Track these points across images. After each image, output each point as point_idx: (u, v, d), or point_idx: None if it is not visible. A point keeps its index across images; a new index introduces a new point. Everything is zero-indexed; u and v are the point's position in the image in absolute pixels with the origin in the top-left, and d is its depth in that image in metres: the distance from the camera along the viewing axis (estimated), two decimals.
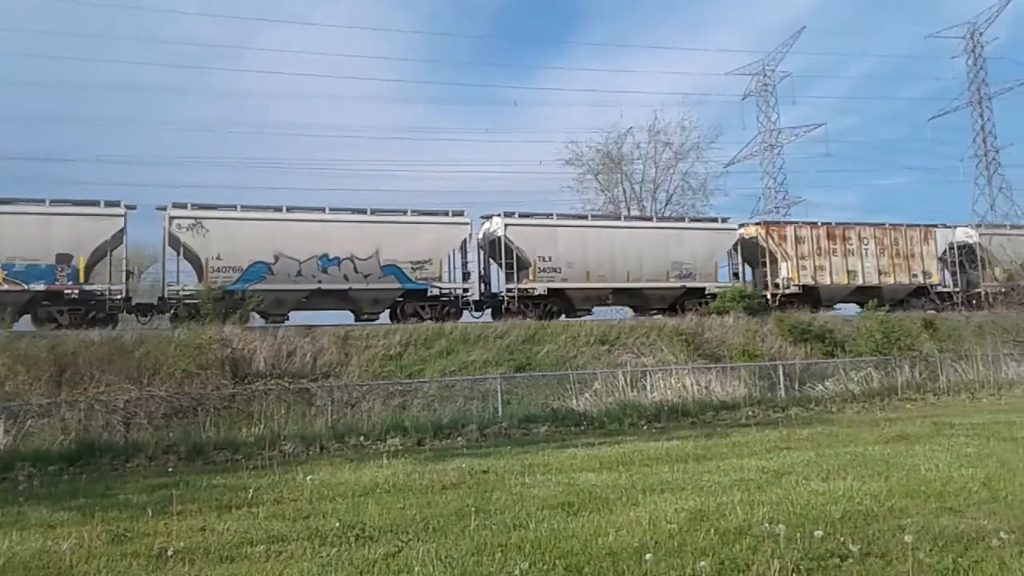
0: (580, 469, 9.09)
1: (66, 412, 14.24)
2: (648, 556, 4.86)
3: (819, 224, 32.63)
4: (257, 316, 23.72)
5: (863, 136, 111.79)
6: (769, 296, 30.79)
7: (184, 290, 23.55)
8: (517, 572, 4.80)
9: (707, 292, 29.44)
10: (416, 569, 5.05)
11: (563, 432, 14.46)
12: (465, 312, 27.18)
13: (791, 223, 32.96)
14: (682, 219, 31.61)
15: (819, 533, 5.12)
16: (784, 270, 31.00)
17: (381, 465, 10.07)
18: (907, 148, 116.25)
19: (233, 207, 24.62)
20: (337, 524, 6.40)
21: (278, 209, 25.15)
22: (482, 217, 28.30)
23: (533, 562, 5.04)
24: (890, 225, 33.43)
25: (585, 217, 29.13)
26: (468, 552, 5.36)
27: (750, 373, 19.94)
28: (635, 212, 43.00)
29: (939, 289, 33.50)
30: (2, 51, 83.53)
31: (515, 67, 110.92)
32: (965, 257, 34.45)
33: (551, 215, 28.79)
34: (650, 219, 30.80)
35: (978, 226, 34.97)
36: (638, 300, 29.68)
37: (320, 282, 24.67)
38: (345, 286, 24.97)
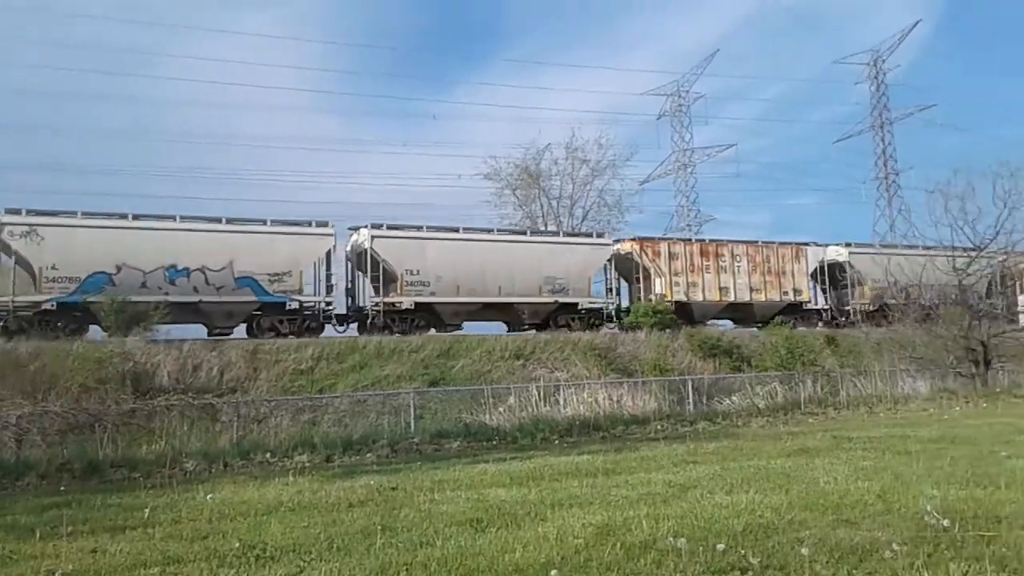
0: (490, 485, 9.04)
1: None
2: (554, 572, 4.85)
3: (692, 240, 33.35)
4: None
5: (773, 157, 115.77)
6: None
7: (16, 302, 22.18)
8: None
9: (580, 308, 29.50)
10: None
11: (475, 447, 14.38)
12: (328, 327, 26.57)
13: (665, 239, 33.28)
14: (556, 234, 31.81)
15: (721, 546, 5.19)
16: (658, 286, 31.17)
17: (287, 483, 9.82)
18: (815, 169, 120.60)
19: (73, 214, 23.50)
20: (237, 544, 6.19)
21: (123, 216, 24.02)
22: (349, 228, 27.74)
23: None
24: (762, 242, 34.03)
25: (456, 230, 28.84)
26: (372, 572, 5.25)
27: (661, 387, 20.28)
28: (552, 227, 43.43)
29: (809, 306, 34.21)
30: None
31: (435, 81, 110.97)
32: (836, 275, 35.35)
33: (421, 227, 28.28)
34: (523, 233, 30.91)
35: (847, 245, 35.89)
36: (510, 315, 29.43)
37: (167, 294, 23.49)
38: (195, 298, 23.97)
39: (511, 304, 28.62)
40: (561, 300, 29.12)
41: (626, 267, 32.02)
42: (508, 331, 29.39)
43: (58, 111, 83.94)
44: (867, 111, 68.58)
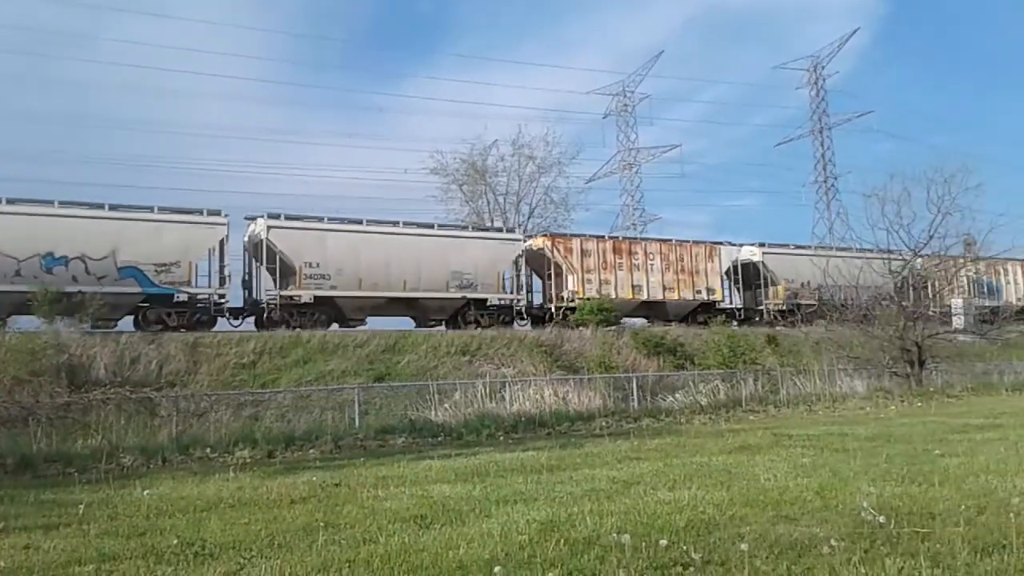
0: (435, 481, 9.00)
1: None
2: (497, 568, 4.83)
3: (606, 237, 33.21)
4: None
5: (715, 159, 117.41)
6: (553, 309, 30.63)
7: None
8: None
9: (489, 304, 29.12)
10: None
11: (421, 443, 14.31)
12: (223, 321, 25.76)
13: (577, 236, 33.04)
14: (465, 228, 31.13)
15: (664, 542, 5.23)
16: (570, 283, 30.94)
17: (227, 479, 9.65)
18: (755, 172, 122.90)
19: None
20: (175, 541, 6.05)
21: None
22: (246, 218, 26.81)
23: None
24: (676, 241, 34.10)
25: (360, 222, 27.89)
26: (314, 568, 5.17)
27: (606, 384, 20.43)
28: (498, 223, 43.42)
29: (722, 306, 34.40)
30: None
31: (381, 73, 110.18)
32: (750, 275, 35.74)
33: (322, 218, 27.33)
34: (431, 226, 30.08)
35: (761, 245, 36.03)
36: (416, 310, 28.98)
37: (43, 283, 21.95)
38: (73, 288, 22.42)
39: (417, 299, 28.09)
40: (469, 296, 28.60)
41: (539, 263, 31.72)
42: (415, 327, 28.85)
43: None
44: (807, 116, 70.11)
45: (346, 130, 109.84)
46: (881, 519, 5.63)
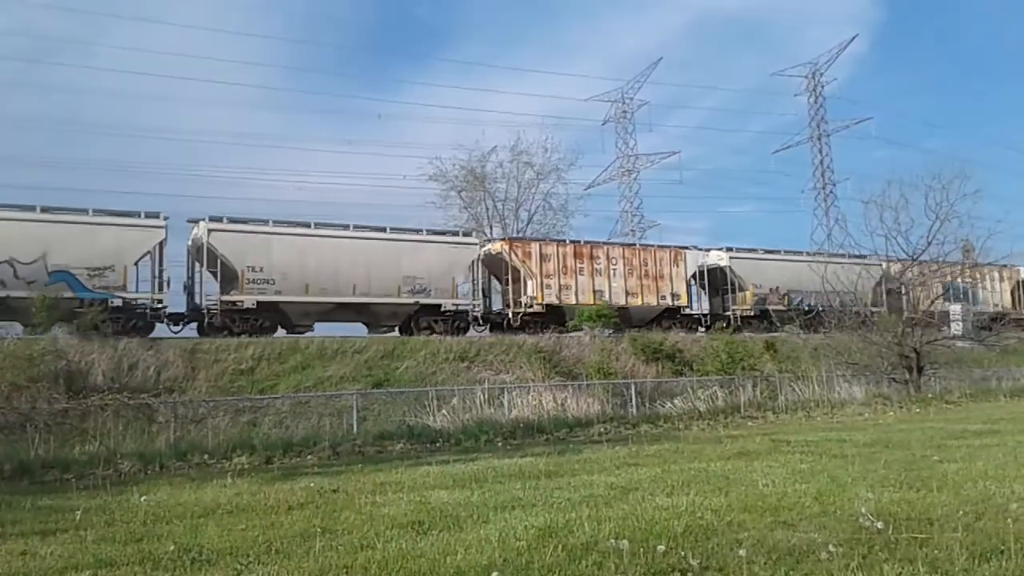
0: (433, 487, 8.99)
1: None
2: (495, 574, 4.83)
3: (567, 242, 32.35)
4: None
5: (714, 165, 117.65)
6: (511, 315, 29.85)
7: None
8: None
9: (443, 310, 28.28)
10: None
11: (419, 449, 14.31)
12: (161, 326, 24.88)
13: (536, 240, 32.51)
14: (418, 231, 29.59)
15: (662, 548, 5.22)
16: (529, 288, 30.04)
17: (225, 485, 9.64)
18: (754, 178, 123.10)
19: None
20: (172, 547, 6.04)
21: None
22: (189, 221, 26.04)
23: None
24: (639, 245, 33.60)
25: (308, 225, 26.95)
26: (311, 575, 5.17)
27: (604, 390, 20.46)
28: (497, 231, 43.45)
29: (688, 311, 33.58)
30: None
31: (380, 80, 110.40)
32: (717, 280, 34.96)
33: (267, 221, 26.39)
34: (383, 230, 28.60)
35: (728, 249, 35.34)
36: (367, 316, 28.17)
37: None
38: (1, 293, 21.92)
39: (367, 305, 27.26)
40: (422, 301, 27.84)
41: (497, 268, 31.01)
42: (368, 333, 27.95)
43: None
44: (805, 122, 70.21)
45: (344, 136, 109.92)
46: (879, 525, 5.62)
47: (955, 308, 34.68)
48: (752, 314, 33.95)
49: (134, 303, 23.88)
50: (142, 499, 8.52)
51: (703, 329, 33.51)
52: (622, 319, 31.40)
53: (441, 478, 9.68)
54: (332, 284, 26.27)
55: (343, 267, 26.47)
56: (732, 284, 34.45)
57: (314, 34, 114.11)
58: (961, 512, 6.22)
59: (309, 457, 13.37)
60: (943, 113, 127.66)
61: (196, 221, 25.61)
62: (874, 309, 32.68)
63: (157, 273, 24.50)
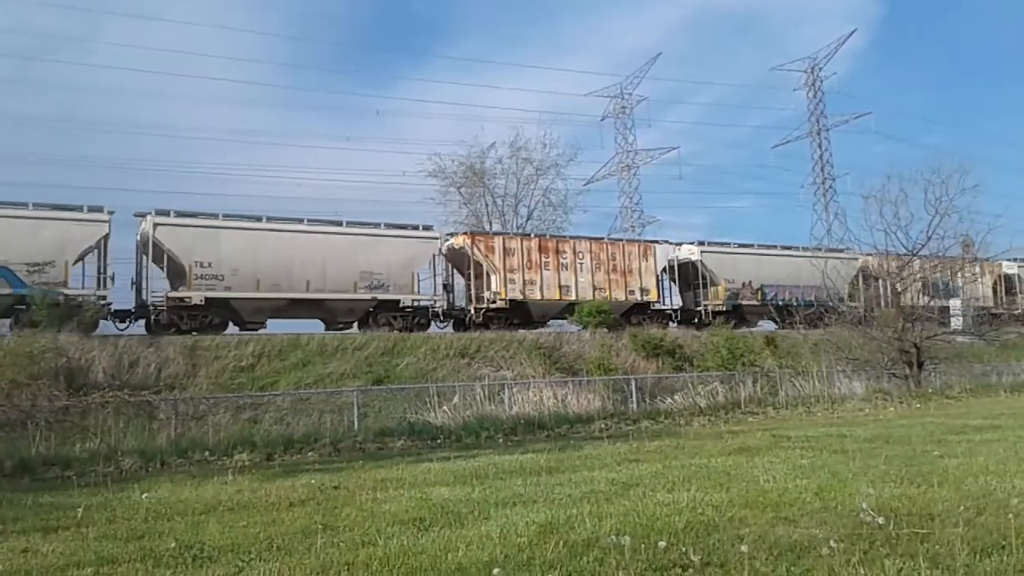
0: (434, 483, 8.99)
1: None
2: (496, 571, 4.82)
3: (531, 236, 31.78)
4: None
5: (713, 160, 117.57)
6: (473, 311, 29.41)
7: None
8: None
9: (403, 305, 27.76)
10: None
11: (420, 446, 14.32)
12: (107, 324, 24.16)
13: (500, 234, 31.82)
14: (376, 225, 28.62)
15: (663, 544, 5.22)
16: (493, 283, 29.51)
17: (226, 482, 9.64)
18: (753, 173, 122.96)
19: None
20: (174, 544, 6.04)
21: None
22: (136, 215, 25.44)
23: None
24: (608, 239, 32.97)
25: (260, 219, 26.24)
26: (313, 571, 5.16)
27: (605, 386, 20.45)
28: (496, 226, 43.41)
29: (658, 307, 32.94)
30: None
31: (378, 76, 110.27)
32: (689, 275, 34.45)
33: (216, 215, 25.83)
34: (339, 224, 27.83)
35: (700, 243, 34.79)
36: (323, 312, 27.76)
37: None
38: None
39: (322, 300, 26.77)
40: (380, 297, 27.26)
41: (460, 263, 30.45)
42: (325, 330, 27.75)
43: None
44: (804, 117, 70.06)
45: (343, 133, 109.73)
46: (880, 520, 5.62)
47: (955, 303, 34.56)
48: (724, 309, 33.33)
49: (76, 299, 23.05)
50: (143, 496, 8.53)
51: (674, 325, 33.03)
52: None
53: (442, 474, 9.68)
54: (285, 280, 25.76)
55: (296, 262, 25.95)
56: (704, 278, 33.87)
57: (311, 31, 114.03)
58: (962, 507, 6.23)
59: (310, 454, 13.40)
60: (942, 109, 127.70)
61: (143, 215, 25.10)
62: (851, 304, 32.67)
63: (103, 268, 23.96)
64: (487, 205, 46.78)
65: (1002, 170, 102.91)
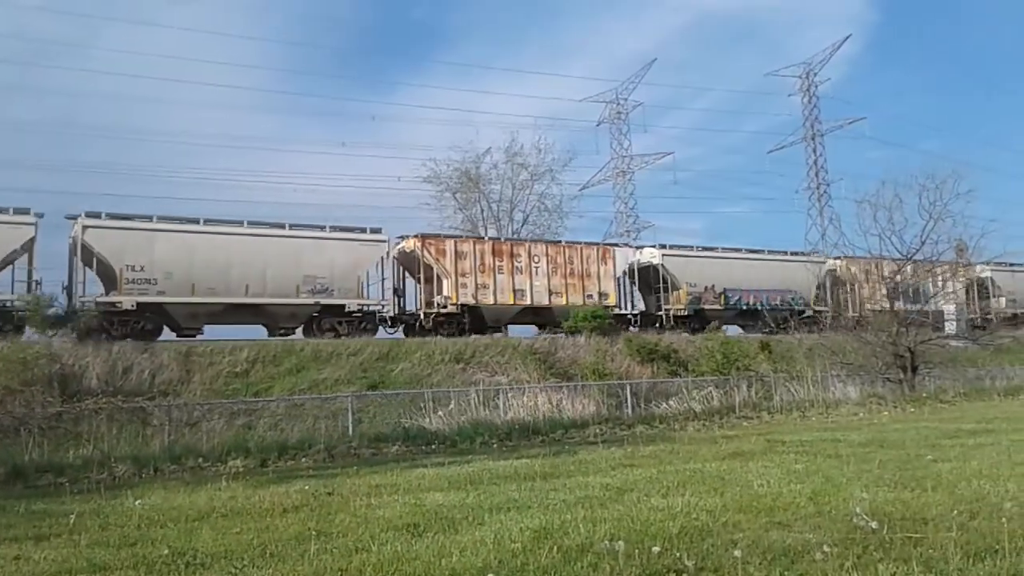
0: (428, 489, 8.97)
1: None
2: None
3: (485, 239, 31.37)
4: None
5: (708, 165, 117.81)
6: (423, 316, 28.81)
7: None
8: None
9: (348, 310, 27.12)
10: None
11: (414, 451, 14.28)
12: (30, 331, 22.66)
13: (451, 236, 31.39)
14: (321, 227, 27.78)
15: (657, 549, 5.22)
16: (445, 287, 28.91)
17: (219, 488, 9.61)
18: (748, 179, 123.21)
19: None
20: (167, 551, 6.02)
21: None
22: (67, 217, 24.51)
23: None
24: (565, 243, 32.46)
25: (197, 221, 25.39)
26: None
27: (600, 392, 20.48)
28: (492, 231, 43.42)
29: (616, 312, 32.12)
30: None
31: (376, 82, 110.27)
32: (650, 278, 33.95)
33: (151, 217, 24.90)
34: (281, 227, 27.02)
35: (662, 247, 34.40)
36: (263, 317, 27.00)
37: None
38: None
39: (262, 305, 26.01)
40: (324, 301, 26.55)
41: (412, 267, 29.95)
42: (268, 336, 27.05)
43: None
44: (799, 122, 70.13)
45: (340, 138, 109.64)
46: (874, 525, 5.63)
47: (949, 308, 34.60)
48: (685, 313, 32.93)
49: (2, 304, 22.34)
50: (136, 503, 8.50)
51: (634, 329, 32.42)
52: (547, 319, 30.50)
53: (436, 480, 9.67)
54: (222, 284, 25.02)
55: (235, 266, 25.22)
56: (665, 282, 33.30)
57: (310, 36, 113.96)
58: (955, 511, 6.23)
59: (304, 460, 13.34)
60: (937, 114, 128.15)
61: (74, 217, 24.29)
62: (818, 308, 32.61)
63: (28, 273, 23.19)
64: (482, 210, 46.77)
65: (998, 176, 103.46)
